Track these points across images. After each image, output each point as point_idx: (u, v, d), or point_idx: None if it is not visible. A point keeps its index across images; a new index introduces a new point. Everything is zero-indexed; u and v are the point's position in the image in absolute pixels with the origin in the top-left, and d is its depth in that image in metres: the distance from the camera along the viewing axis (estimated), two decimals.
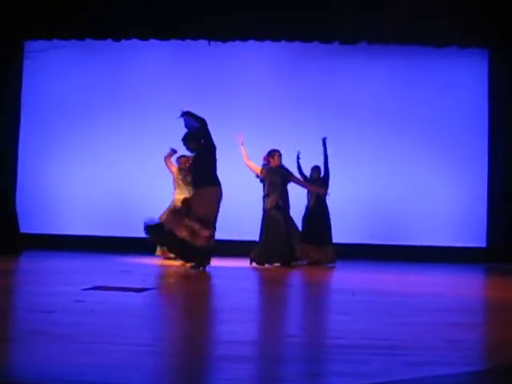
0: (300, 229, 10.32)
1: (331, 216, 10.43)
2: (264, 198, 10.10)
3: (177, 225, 8.54)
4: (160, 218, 8.95)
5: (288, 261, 9.90)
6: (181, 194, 10.06)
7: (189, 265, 8.71)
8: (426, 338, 3.88)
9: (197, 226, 8.51)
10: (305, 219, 10.44)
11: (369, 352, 3.46)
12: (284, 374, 2.98)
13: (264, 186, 10.36)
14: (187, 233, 8.49)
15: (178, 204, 9.40)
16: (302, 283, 8.16)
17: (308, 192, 10.51)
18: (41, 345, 3.36)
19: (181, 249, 8.61)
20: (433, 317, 4.85)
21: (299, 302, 6.09)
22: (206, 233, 8.51)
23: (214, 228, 8.67)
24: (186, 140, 8.85)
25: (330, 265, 10.28)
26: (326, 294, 6.61)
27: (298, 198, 10.34)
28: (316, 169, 10.50)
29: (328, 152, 10.38)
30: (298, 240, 10.08)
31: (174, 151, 10.31)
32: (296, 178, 10.22)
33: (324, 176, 10.39)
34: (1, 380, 2.65)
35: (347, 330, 4.40)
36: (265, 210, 10.06)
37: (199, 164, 8.83)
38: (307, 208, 10.49)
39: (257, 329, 4.41)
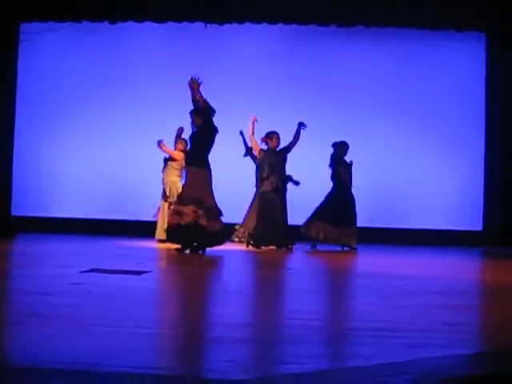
0: (318, 205, 10.34)
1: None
2: (262, 180, 10.08)
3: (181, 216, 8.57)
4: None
5: (284, 243, 9.92)
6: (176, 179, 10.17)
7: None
8: (422, 320, 3.89)
9: (200, 212, 8.55)
10: (326, 199, 10.41)
11: (364, 334, 3.47)
12: (279, 355, 2.99)
13: (258, 169, 10.39)
14: (192, 217, 8.51)
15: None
16: (299, 266, 8.17)
17: (333, 178, 10.47)
18: (39, 327, 3.37)
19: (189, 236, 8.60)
20: (429, 299, 4.87)
21: (295, 285, 6.10)
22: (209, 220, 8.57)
23: (218, 212, 8.70)
24: (193, 113, 8.83)
25: (345, 247, 10.27)
26: (322, 277, 6.63)
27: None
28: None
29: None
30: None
31: (181, 129, 10.28)
32: (292, 143, 10.18)
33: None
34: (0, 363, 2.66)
35: (342, 312, 4.42)
36: (262, 193, 10.05)
37: (195, 142, 8.81)
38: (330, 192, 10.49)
39: (253, 311, 4.42)
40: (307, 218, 10.39)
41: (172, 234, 8.64)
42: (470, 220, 12.42)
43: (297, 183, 10.46)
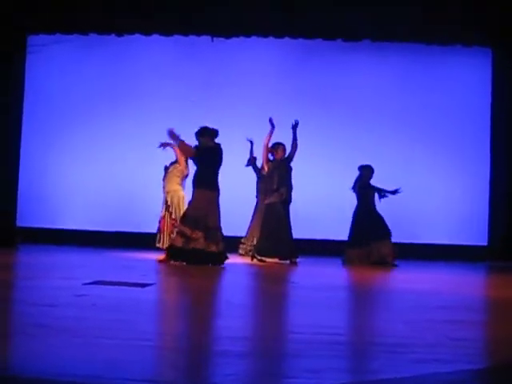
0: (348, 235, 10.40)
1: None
2: (272, 191, 9.98)
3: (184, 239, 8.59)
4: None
5: (288, 256, 9.90)
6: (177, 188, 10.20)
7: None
8: (428, 335, 3.87)
9: (200, 235, 8.57)
10: (355, 222, 10.45)
11: (371, 349, 3.45)
12: (285, 369, 2.98)
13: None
14: (202, 246, 8.55)
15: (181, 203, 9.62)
16: (303, 280, 8.15)
17: (359, 200, 10.48)
18: (43, 338, 3.36)
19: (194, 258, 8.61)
20: (435, 314, 4.85)
21: (300, 299, 6.08)
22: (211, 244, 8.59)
23: (219, 234, 8.71)
24: (198, 135, 8.86)
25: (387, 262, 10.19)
26: (326, 291, 6.60)
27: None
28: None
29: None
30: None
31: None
32: (292, 152, 10.11)
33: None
34: (3, 373, 2.65)
35: (348, 326, 4.41)
36: (269, 204, 10.00)
37: (201, 163, 8.80)
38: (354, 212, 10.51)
39: (258, 325, 4.40)
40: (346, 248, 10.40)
41: (174, 255, 8.65)
42: (475, 235, 12.39)
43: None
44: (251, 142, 11.01)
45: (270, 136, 10.11)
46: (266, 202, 10.06)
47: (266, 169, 10.19)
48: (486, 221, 12.48)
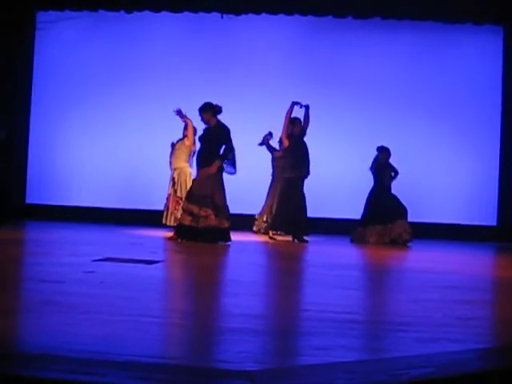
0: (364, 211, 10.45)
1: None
2: (290, 167, 9.93)
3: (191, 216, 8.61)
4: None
5: (300, 233, 9.90)
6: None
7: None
8: (436, 314, 3.87)
9: (209, 212, 8.58)
10: (370, 202, 10.48)
11: (378, 327, 3.45)
12: (294, 347, 2.98)
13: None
14: (213, 223, 8.58)
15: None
16: (313, 258, 8.15)
17: (374, 177, 10.51)
18: (51, 315, 3.37)
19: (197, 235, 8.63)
20: (443, 294, 4.84)
21: (310, 277, 6.09)
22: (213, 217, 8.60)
23: (224, 210, 8.70)
24: (202, 110, 8.84)
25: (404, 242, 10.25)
26: (337, 269, 6.60)
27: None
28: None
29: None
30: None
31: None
32: (306, 122, 10.06)
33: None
34: (10, 350, 2.66)
35: (358, 305, 4.40)
36: (287, 179, 9.96)
37: (206, 141, 8.78)
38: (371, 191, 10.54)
39: (268, 302, 4.41)
40: (357, 226, 10.44)
41: (183, 233, 8.66)
42: (485, 215, 12.35)
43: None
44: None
45: (292, 111, 10.05)
46: (286, 175, 10.01)
47: (285, 143, 10.07)
48: (495, 201, 12.43)
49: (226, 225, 8.63)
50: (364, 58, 12.47)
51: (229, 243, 8.59)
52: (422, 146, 12.32)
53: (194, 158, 9.66)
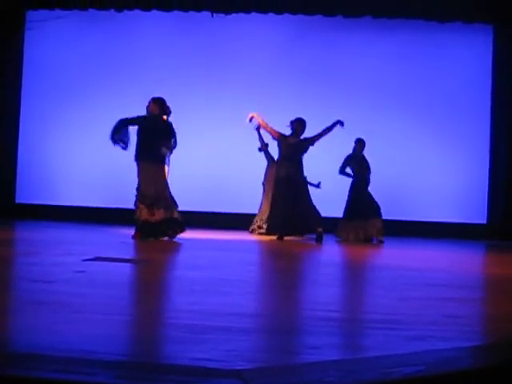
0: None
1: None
2: (300, 165, 9.93)
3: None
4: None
5: (307, 230, 9.96)
6: None
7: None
8: (424, 312, 3.89)
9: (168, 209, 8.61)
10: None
11: (367, 326, 3.47)
12: (285, 346, 2.99)
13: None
14: (163, 216, 8.60)
15: None
16: (303, 256, 8.17)
17: (352, 169, 10.56)
18: (41, 314, 3.37)
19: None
20: (432, 291, 4.86)
21: (300, 275, 6.10)
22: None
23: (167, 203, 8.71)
24: (152, 100, 8.92)
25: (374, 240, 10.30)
26: (325, 267, 6.62)
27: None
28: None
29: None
30: None
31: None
32: (322, 134, 10.10)
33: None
34: (0, 349, 2.66)
35: (347, 303, 4.42)
36: (305, 178, 9.97)
37: (149, 133, 8.73)
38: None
39: (259, 301, 4.42)
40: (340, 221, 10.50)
41: (144, 231, 8.69)
42: (475, 213, 12.40)
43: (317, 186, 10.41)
44: (257, 129, 10.92)
45: (259, 119, 10.05)
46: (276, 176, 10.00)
47: (275, 134, 9.97)
48: (485, 199, 12.49)
49: (176, 215, 8.67)
50: (354, 57, 12.51)
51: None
52: (411, 145, 12.36)
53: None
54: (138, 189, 8.88)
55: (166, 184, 8.80)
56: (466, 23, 12.33)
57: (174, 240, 8.66)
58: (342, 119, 10.04)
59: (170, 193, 8.77)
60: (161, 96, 8.87)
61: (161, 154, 8.67)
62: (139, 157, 8.75)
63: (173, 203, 8.74)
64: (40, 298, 3.84)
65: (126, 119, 8.67)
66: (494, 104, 12.54)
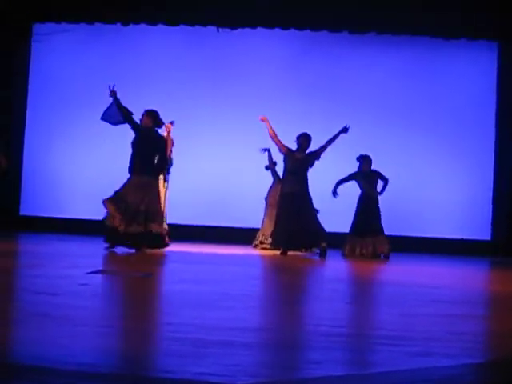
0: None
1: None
2: (305, 181, 9.94)
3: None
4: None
5: (310, 245, 9.96)
6: None
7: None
8: (428, 328, 3.87)
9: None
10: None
11: (371, 341, 3.46)
12: (287, 361, 2.98)
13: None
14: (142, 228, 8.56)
15: None
16: (307, 271, 8.16)
17: (359, 185, 10.56)
18: (44, 327, 3.36)
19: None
20: (436, 308, 4.85)
21: (304, 290, 6.09)
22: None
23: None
24: (145, 113, 8.94)
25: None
26: (330, 283, 6.61)
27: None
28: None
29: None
30: None
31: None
32: (325, 146, 10.10)
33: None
34: (3, 360, 2.66)
35: (351, 319, 4.41)
36: (309, 194, 9.97)
37: (143, 147, 8.73)
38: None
39: (261, 315, 4.41)
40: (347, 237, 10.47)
41: (112, 238, 8.68)
42: (479, 229, 12.37)
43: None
44: (268, 151, 10.97)
45: (269, 124, 10.00)
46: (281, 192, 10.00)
47: (283, 148, 9.98)
48: (489, 216, 12.46)
49: (163, 230, 8.69)
50: (359, 73, 12.53)
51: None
52: (416, 161, 12.36)
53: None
54: (116, 192, 8.77)
55: (158, 198, 8.76)
56: (470, 40, 12.36)
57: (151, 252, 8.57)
58: (347, 125, 10.03)
59: (160, 207, 8.74)
60: (154, 109, 8.86)
61: (156, 168, 8.66)
62: (133, 170, 8.71)
63: (159, 218, 8.68)
64: (44, 310, 3.84)
65: (131, 116, 8.66)
66: (498, 120, 12.54)
